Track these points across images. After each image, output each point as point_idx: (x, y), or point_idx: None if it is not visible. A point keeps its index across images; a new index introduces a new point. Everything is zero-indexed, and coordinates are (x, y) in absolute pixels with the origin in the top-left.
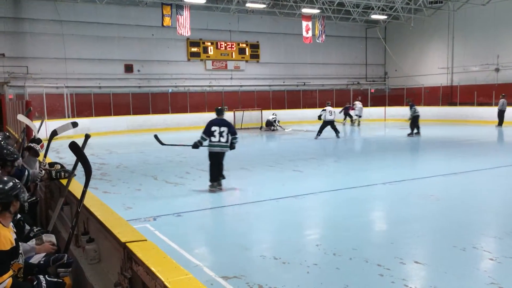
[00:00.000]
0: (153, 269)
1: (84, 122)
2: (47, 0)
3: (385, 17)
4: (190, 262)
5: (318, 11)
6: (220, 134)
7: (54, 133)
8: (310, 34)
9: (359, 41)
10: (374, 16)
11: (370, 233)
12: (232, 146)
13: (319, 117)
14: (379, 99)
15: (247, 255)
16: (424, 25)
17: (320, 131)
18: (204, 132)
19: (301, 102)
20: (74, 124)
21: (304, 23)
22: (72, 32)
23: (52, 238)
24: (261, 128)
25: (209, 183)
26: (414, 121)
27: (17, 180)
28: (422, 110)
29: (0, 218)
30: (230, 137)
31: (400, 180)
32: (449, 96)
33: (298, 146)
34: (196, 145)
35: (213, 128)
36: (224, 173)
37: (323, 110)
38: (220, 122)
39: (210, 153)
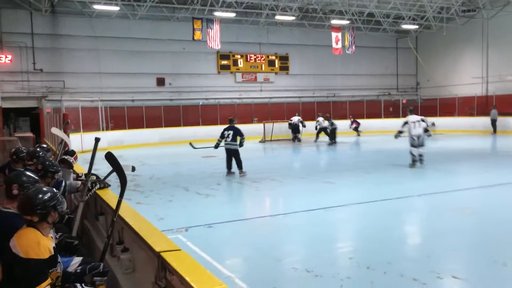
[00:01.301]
0: (187, 278)
1: (118, 135)
2: (83, 17)
3: (416, 26)
4: (221, 273)
5: (348, 22)
6: (228, 136)
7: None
8: (339, 45)
9: (389, 51)
10: (405, 26)
11: (405, 247)
12: (240, 144)
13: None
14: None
15: (278, 267)
16: (457, 34)
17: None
18: (220, 136)
19: (331, 113)
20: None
21: (333, 34)
22: (107, 47)
23: None
24: (294, 139)
25: (226, 171)
26: (333, 132)
27: (56, 191)
28: (456, 120)
29: (39, 228)
30: (238, 138)
31: (434, 193)
32: (484, 106)
33: (328, 157)
34: (216, 145)
35: (226, 133)
36: (255, 184)
37: (317, 121)
38: (229, 128)
39: (225, 150)
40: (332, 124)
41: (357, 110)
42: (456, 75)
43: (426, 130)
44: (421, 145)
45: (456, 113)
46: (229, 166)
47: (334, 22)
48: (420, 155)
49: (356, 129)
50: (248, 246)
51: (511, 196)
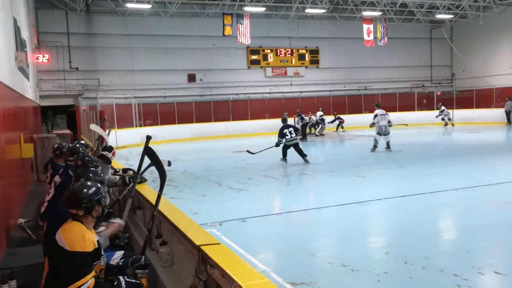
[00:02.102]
0: (228, 272)
1: (150, 131)
2: (116, 15)
3: (451, 16)
4: (257, 267)
5: (380, 13)
6: (291, 132)
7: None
8: (371, 37)
9: (423, 42)
10: (440, 16)
11: (443, 241)
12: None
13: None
14: (445, 102)
15: (314, 261)
16: (494, 22)
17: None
18: (280, 136)
19: (362, 106)
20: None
21: (365, 26)
22: (139, 45)
23: (118, 220)
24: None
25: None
26: (304, 127)
27: (100, 185)
28: (493, 112)
29: (84, 222)
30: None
31: (471, 186)
32: None
33: (360, 151)
34: (277, 144)
35: (285, 131)
36: (286, 178)
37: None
38: (288, 126)
39: (286, 145)
40: (302, 118)
41: (390, 103)
42: (493, 65)
43: (388, 121)
44: (386, 134)
45: (493, 105)
46: (285, 154)
47: (366, 13)
48: (387, 142)
49: (340, 125)
50: (282, 240)
51: None
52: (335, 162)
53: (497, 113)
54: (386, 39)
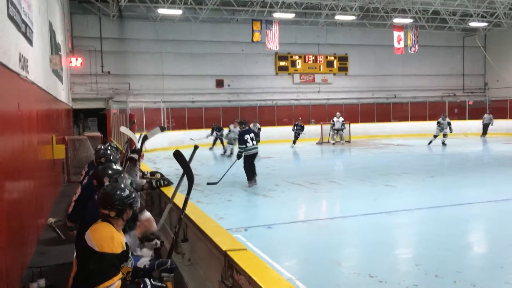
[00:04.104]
0: (255, 278)
1: (178, 135)
2: (147, 21)
3: (485, 24)
4: (282, 274)
5: (411, 20)
6: (252, 139)
7: (145, 138)
8: (401, 44)
9: (455, 50)
10: (473, 24)
11: (475, 255)
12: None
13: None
14: (478, 112)
15: (340, 271)
16: None
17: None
18: (240, 143)
19: (391, 115)
20: (162, 129)
21: (395, 34)
22: (169, 50)
23: (147, 213)
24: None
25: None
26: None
27: (132, 189)
28: None
29: (114, 223)
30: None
31: (504, 199)
32: None
33: (389, 160)
34: (239, 156)
35: (246, 136)
36: (313, 185)
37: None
38: (248, 131)
39: (247, 157)
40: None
41: (419, 112)
42: None
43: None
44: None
45: None
46: (253, 170)
47: (397, 21)
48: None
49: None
50: (308, 248)
51: None
52: (364, 171)
53: None
54: (417, 47)
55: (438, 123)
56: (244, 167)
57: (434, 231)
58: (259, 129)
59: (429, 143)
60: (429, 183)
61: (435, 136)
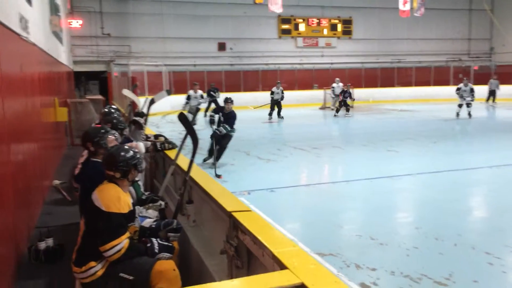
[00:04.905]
0: (260, 238)
1: (181, 99)
2: None
3: None
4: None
5: None
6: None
7: (152, 102)
8: (407, 7)
9: (462, 13)
10: None
11: (475, 219)
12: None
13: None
14: (483, 77)
15: (342, 233)
16: None
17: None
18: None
19: (395, 80)
20: (168, 92)
21: None
22: (171, 12)
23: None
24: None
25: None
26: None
27: (137, 150)
28: None
29: (120, 184)
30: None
31: (505, 164)
32: None
33: (390, 125)
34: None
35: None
36: (315, 150)
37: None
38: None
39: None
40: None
41: (424, 77)
42: None
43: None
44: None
45: None
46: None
47: None
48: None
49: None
50: (310, 211)
51: None
52: (367, 136)
53: None
54: (423, 10)
55: (458, 89)
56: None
57: (435, 196)
58: (283, 91)
59: (457, 115)
60: (431, 148)
61: (460, 106)
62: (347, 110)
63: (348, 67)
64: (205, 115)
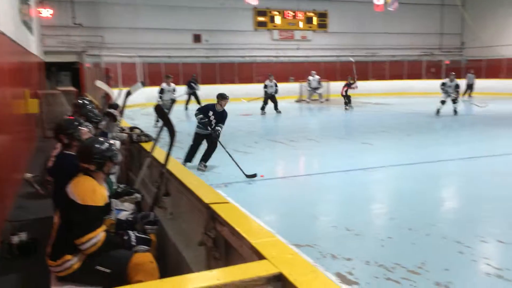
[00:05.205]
0: (238, 229)
1: (155, 91)
2: None
3: None
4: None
5: None
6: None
7: (128, 94)
8: (381, 1)
9: (434, 8)
10: None
11: (447, 210)
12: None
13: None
14: (454, 71)
15: (318, 225)
16: None
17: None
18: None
19: (369, 73)
20: (143, 84)
21: None
22: (144, 2)
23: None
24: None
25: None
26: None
27: (112, 142)
28: (502, 83)
29: (95, 177)
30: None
31: (477, 157)
32: None
33: (366, 118)
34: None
35: (210, 113)
36: (292, 143)
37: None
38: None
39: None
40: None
41: (397, 71)
42: (505, 35)
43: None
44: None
45: (502, 75)
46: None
47: None
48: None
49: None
50: (287, 203)
51: None
52: (343, 129)
53: (507, 84)
54: (396, 4)
55: (443, 84)
56: (195, 144)
57: (409, 187)
58: (276, 84)
59: (437, 112)
60: (405, 141)
61: (442, 102)
62: (349, 103)
63: (323, 60)
64: (186, 108)
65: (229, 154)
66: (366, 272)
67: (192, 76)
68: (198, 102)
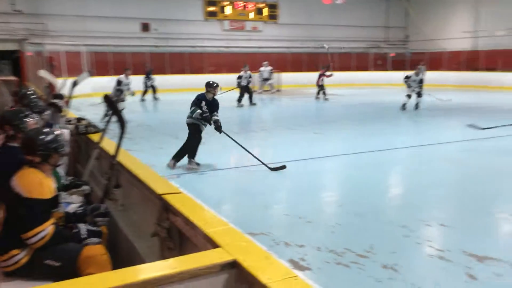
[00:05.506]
0: (192, 219)
1: (102, 81)
2: None
3: None
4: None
5: None
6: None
7: (75, 83)
8: None
9: (380, 2)
10: None
11: (394, 196)
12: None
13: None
14: (399, 64)
15: (271, 214)
16: None
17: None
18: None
19: (318, 65)
20: (91, 72)
21: None
22: None
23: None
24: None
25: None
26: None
27: (58, 133)
28: (443, 75)
29: (41, 169)
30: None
31: (422, 145)
32: (472, 61)
33: (317, 109)
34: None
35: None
36: (244, 134)
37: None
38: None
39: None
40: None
41: (345, 62)
42: (446, 29)
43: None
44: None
45: (443, 68)
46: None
47: None
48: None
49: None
50: (240, 193)
51: (500, 148)
52: (294, 119)
53: (449, 76)
54: None
55: (407, 78)
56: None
57: (357, 175)
58: (250, 75)
59: (403, 107)
60: (354, 130)
61: (408, 96)
62: (324, 93)
63: (274, 51)
64: (142, 99)
65: (243, 147)
66: (318, 258)
67: (147, 65)
68: (155, 93)
